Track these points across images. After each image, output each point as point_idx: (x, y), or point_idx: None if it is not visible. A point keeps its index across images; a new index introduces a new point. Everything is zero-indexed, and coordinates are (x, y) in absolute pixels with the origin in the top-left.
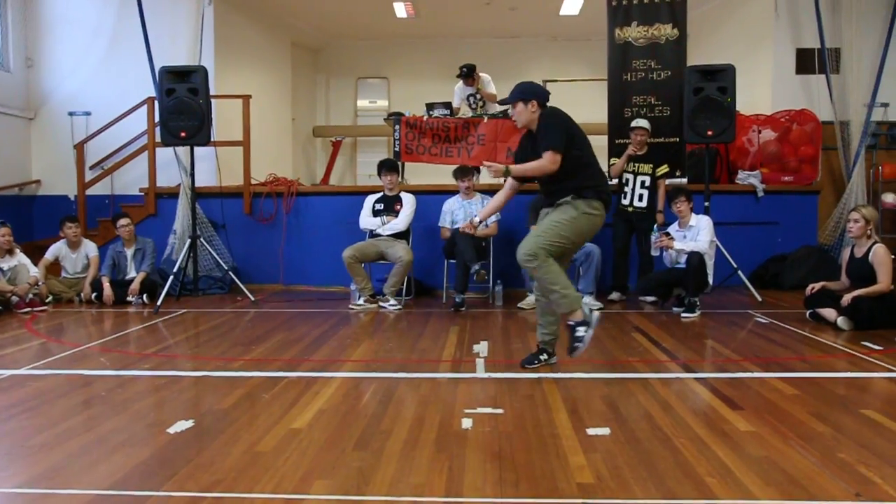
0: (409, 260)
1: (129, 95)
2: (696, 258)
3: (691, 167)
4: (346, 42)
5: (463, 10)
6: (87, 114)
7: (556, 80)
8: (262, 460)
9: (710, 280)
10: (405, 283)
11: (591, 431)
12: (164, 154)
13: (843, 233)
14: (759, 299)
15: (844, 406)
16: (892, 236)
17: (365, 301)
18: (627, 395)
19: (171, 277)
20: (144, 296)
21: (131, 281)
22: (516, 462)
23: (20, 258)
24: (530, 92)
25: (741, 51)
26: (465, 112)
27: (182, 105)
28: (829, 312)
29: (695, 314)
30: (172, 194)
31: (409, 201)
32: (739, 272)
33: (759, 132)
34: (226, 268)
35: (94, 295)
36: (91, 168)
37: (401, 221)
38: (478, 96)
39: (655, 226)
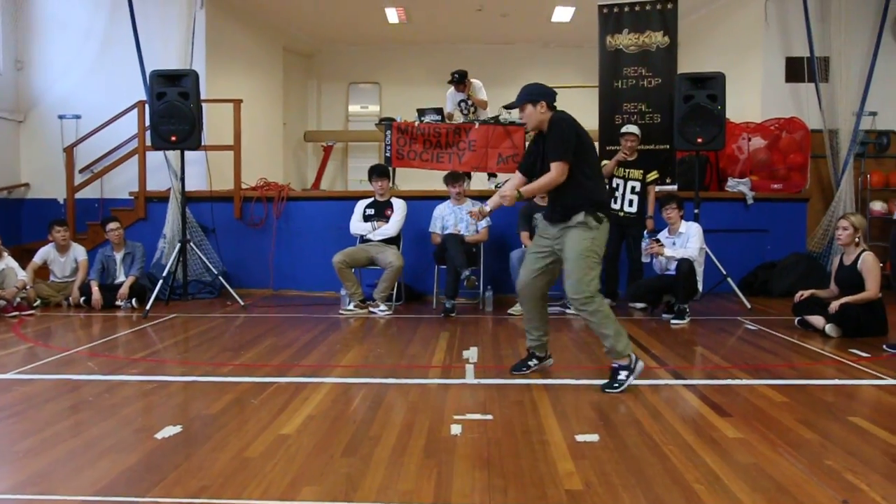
0: (399, 265)
1: (120, 99)
2: (685, 265)
3: (681, 174)
4: (338, 47)
5: (455, 15)
6: (77, 117)
7: None
8: (251, 466)
9: (700, 287)
10: (395, 289)
11: (579, 438)
12: (155, 158)
13: (832, 240)
14: (749, 306)
15: (832, 413)
16: (880, 244)
17: (355, 306)
18: (616, 402)
19: (161, 282)
20: (133, 300)
21: (120, 285)
22: (505, 468)
23: (8, 261)
24: (538, 93)
25: (731, 59)
26: (459, 118)
27: (173, 109)
28: (817, 320)
29: (684, 321)
30: (162, 198)
31: (399, 207)
32: (729, 279)
33: (749, 140)
34: (215, 272)
35: (82, 299)
36: (81, 171)
37: (391, 227)
38: (469, 102)
39: (646, 232)
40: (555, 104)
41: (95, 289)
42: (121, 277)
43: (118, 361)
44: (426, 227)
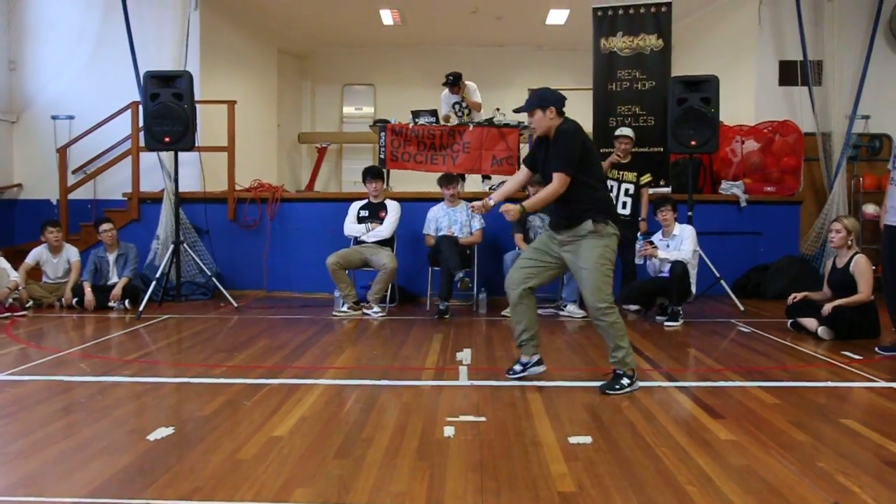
0: (393, 267)
1: (113, 99)
2: (679, 267)
3: (675, 177)
4: (333, 49)
5: (449, 18)
6: (71, 117)
7: None
8: (243, 468)
9: (693, 289)
10: (389, 291)
11: (572, 440)
12: (148, 159)
13: (825, 243)
14: (742, 309)
15: (824, 415)
16: (872, 247)
17: (349, 308)
18: (609, 404)
19: (154, 283)
20: (126, 301)
21: (113, 286)
22: (498, 470)
23: (0, 262)
24: (548, 99)
25: (725, 62)
26: (453, 120)
27: (166, 110)
28: (810, 322)
29: (677, 323)
30: (156, 199)
31: (393, 209)
32: (722, 281)
33: (742, 143)
34: (209, 273)
35: (75, 300)
36: (74, 172)
37: (385, 229)
38: (463, 104)
39: (640, 234)
40: (564, 110)
41: (88, 290)
42: (114, 278)
43: (111, 363)
44: (420, 228)
